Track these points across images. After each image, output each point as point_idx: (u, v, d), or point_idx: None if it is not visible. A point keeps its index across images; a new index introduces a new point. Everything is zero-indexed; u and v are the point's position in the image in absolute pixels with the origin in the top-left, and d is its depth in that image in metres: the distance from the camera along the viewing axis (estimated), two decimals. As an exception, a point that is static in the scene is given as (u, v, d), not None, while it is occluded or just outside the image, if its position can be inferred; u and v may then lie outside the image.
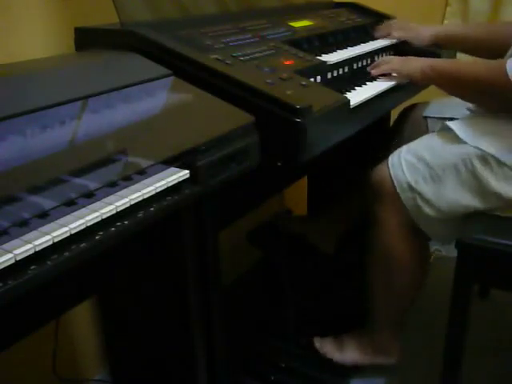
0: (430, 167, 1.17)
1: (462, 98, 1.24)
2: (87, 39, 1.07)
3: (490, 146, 1.13)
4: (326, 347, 1.45)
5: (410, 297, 1.35)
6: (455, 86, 1.21)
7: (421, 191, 1.18)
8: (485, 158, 1.13)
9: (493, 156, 1.12)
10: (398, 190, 1.20)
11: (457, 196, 1.16)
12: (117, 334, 1.16)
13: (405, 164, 1.20)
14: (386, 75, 1.27)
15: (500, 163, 1.12)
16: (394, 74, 1.26)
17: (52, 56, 1.09)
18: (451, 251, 1.16)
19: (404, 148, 1.24)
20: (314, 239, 1.66)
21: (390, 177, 1.21)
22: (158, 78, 0.91)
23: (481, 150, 1.13)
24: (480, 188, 1.14)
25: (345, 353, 1.43)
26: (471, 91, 1.19)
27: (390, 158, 1.24)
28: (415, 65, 1.24)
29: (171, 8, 1.16)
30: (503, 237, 1.08)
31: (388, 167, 1.22)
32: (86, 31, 1.07)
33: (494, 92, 1.12)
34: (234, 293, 1.63)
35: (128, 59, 0.96)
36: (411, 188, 1.19)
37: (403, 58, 1.30)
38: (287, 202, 2.04)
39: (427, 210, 1.19)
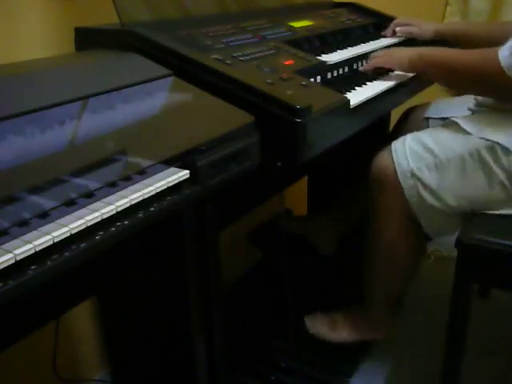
0: (435, 156, 1.17)
1: (451, 86, 1.24)
2: (87, 39, 1.07)
3: (496, 136, 1.13)
4: (317, 327, 1.45)
5: (405, 280, 1.38)
6: (444, 73, 1.20)
7: (423, 179, 1.17)
8: (492, 148, 1.13)
9: (500, 145, 1.12)
10: (400, 177, 1.19)
11: (460, 186, 1.16)
12: (117, 334, 1.16)
13: (409, 151, 1.19)
14: (383, 75, 1.27)
15: (507, 152, 1.12)
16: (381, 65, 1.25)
17: (52, 56, 1.09)
18: (451, 251, 1.16)
19: (409, 136, 1.23)
20: (314, 239, 1.66)
21: (393, 163, 1.20)
22: (158, 78, 0.91)
23: (488, 140, 1.13)
24: (485, 179, 1.14)
25: (338, 331, 1.43)
26: (461, 78, 1.18)
27: (394, 144, 1.23)
28: (402, 54, 1.24)
29: (171, 8, 1.16)
30: (503, 237, 1.08)
31: (391, 153, 1.21)
32: (86, 31, 1.07)
33: (484, 79, 1.12)
34: (234, 293, 1.63)
35: (128, 59, 0.96)
36: (413, 175, 1.18)
37: (387, 50, 1.30)
38: (287, 202, 2.04)
39: (429, 198, 1.18)
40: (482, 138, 1.14)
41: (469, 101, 1.32)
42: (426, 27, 1.49)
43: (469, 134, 1.16)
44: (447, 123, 1.24)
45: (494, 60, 1.07)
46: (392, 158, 1.20)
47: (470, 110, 1.28)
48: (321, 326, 1.45)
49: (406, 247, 1.27)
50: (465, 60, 1.15)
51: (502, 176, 1.13)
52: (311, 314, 1.48)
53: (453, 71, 1.18)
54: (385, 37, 1.53)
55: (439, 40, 1.50)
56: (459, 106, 1.30)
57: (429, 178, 1.17)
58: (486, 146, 1.13)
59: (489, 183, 1.14)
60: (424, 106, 1.50)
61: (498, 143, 1.12)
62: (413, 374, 1.44)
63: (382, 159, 1.23)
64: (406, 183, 1.19)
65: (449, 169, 1.16)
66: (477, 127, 1.16)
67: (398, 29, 1.51)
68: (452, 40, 1.49)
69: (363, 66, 1.26)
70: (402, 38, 1.51)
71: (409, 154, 1.19)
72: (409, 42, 1.52)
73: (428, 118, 1.44)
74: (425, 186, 1.18)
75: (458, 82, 1.21)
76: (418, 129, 1.40)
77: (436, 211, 1.20)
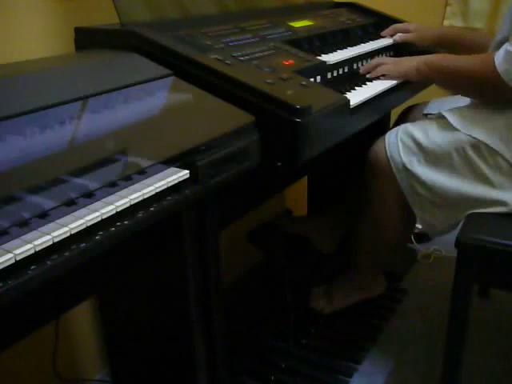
0: (424, 151, 1.20)
1: (457, 91, 1.28)
2: (87, 39, 1.07)
3: (481, 134, 1.15)
4: (315, 301, 1.55)
5: (393, 249, 1.45)
6: (448, 79, 1.24)
7: (415, 173, 1.21)
8: (477, 146, 1.15)
9: (484, 143, 1.14)
10: (394, 170, 1.24)
11: (450, 181, 1.19)
12: (117, 334, 1.16)
13: (401, 144, 1.23)
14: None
15: (491, 150, 1.14)
16: (389, 74, 1.27)
17: (52, 56, 1.09)
18: (451, 251, 1.16)
19: (401, 127, 1.26)
20: (314, 239, 1.66)
21: (387, 155, 1.24)
22: (158, 78, 0.91)
23: (473, 137, 1.16)
24: (472, 175, 1.17)
25: (334, 301, 1.53)
26: (464, 84, 1.22)
27: (388, 135, 1.27)
28: (409, 63, 1.27)
29: (171, 8, 1.16)
30: (503, 237, 1.08)
31: (385, 145, 1.25)
32: (86, 31, 1.07)
33: (484, 84, 1.15)
34: (234, 293, 1.63)
35: (128, 59, 0.96)
36: (406, 169, 1.22)
37: (397, 59, 1.32)
38: (287, 201, 2.04)
39: (421, 191, 1.22)
40: (467, 135, 1.16)
41: (466, 99, 1.32)
42: (425, 34, 1.50)
43: (456, 129, 1.18)
44: (438, 117, 1.26)
45: (490, 65, 1.09)
46: (386, 151, 1.25)
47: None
48: (317, 300, 1.55)
49: (393, 228, 1.33)
50: (464, 65, 1.18)
51: (487, 172, 1.15)
52: (315, 289, 1.58)
53: (454, 76, 1.21)
54: (383, 37, 1.53)
55: (437, 46, 1.50)
56: (457, 104, 1.31)
57: (420, 171, 1.21)
58: (471, 143, 1.16)
59: (475, 178, 1.16)
60: (423, 104, 1.51)
61: (481, 141, 1.14)
62: (413, 373, 1.44)
63: (376, 149, 1.28)
64: (399, 175, 1.24)
65: (438, 163, 1.19)
66: (464, 123, 1.18)
67: (397, 36, 1.51)
68: (451, 47, 1.50)
69: (369, 74, 1.27)
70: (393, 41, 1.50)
71: (401, 148, 1.23)
72: (403, 45, 1.51)
73: (427, 115, 1.44)
74: (416, 179, 1.21)
75: (459, 86, 1.25)
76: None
77: (428, 202, 1.23)
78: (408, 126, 1.26)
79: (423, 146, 1.20)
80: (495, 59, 1.09)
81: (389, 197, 1.28)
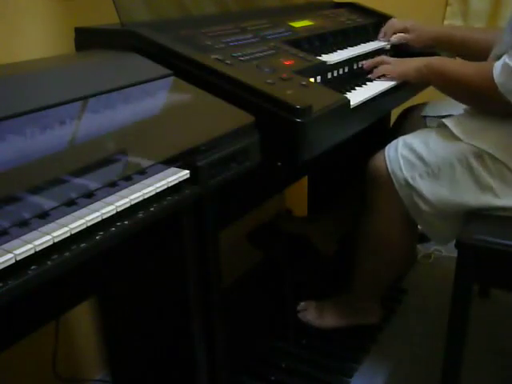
0: (426, 164, 1.19)
1: (454, 97, 1.26)
2: (87, 39, 1.07)
3: (484, 143, 1.14)
4: (307, 315, 1.52)
5: (395, 274, 1.44)
6: (446, 85, 1.23)
7: (417, 188, 1.20)
8: (480, 155, 1.14)
9: (487, 153, 1.13)
10: (396, 185, 1.22)
11: (452, 194, 1.17)
12: (117, 334, 1.16)
13: (402, 159, 1.21)
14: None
15: (495, 160, 1.13)
16: (388, 74, 1.27)
17: (52, 56, 1.09)
18: (451, 251, 1.16)
19: (400, 141, 1.25)
20: (315, 240, 1.66)
21: (388, 171, 1.23)
22: (158, 78, 0.91)
23: (476, 147, 1.15)
24: (475, 185, 1.15)
25: (324, 318, 1.51)
26: (461, 91, 1.21)
27: (387, 149, 1.25)
28: (409, 64, 1.26)
29: (171, 8, 1.16)
30: (503, 237, 1.08)
31: (385, 160, 1.24)
32: (85, 31, 1.07)
33: (480, 94, 1.14)
34: (234, 293, 1.63)
35: (128, 59, 0.96)
36: (408, 185, 1.21)
37: (399, 59, 1.31)
38: (287, 202, 2.04)
39: (423, 206, 1.20)
40: (470, 145, 1.15)
41: None
42: (422, 34, 1.47)
43: (458, 139, 1.17)
44: (439, 126, 1.25)
45: (488, 75, 1.09)
46: (386, 166, 1.23)
47: (464, 110, 1.29)
48: (309, 314, 1.52)
49: (396, 242, 1.31)
50: (462, 72, 1.17)
51: (491, 182, 1.14)
52: (302, 303, 1.55)
53: (451, 82, 1.20)
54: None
55: (434, 45, 1.49)
56: (456, 106, 1.31)
57: (422, 186, 1.19)
58: (474, 152, 1.15)
59: (479, 189, 1.15)
60: (421, 105, 1.51)
61: (485, 151, 1.13)
62: (413, 374, 1.44)
63: (377, 163, 1.26)
64: (401, 191, 1.22)
65: (440, 176, 1.18)
66: (466, 132, 1.17)
67: (393, 38, 1.50)
68: (446, 45, 1.49)
69: (371, 74, 1.27)
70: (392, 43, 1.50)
71: (402, 163, 1.21)
72: (402, 45, 1.51)
73: (425, 117, 1.44)
74: (419, 194, 1.20)
75: (455, 92, 1.24)
76: (416, 128, 1.40)
77: (432, 217, 1.22)
78: (408, 139, 1.25)
79: (425, 158, 1.19)
80: (493, 70, 1.08)
81: (390, 211, 1.27)
